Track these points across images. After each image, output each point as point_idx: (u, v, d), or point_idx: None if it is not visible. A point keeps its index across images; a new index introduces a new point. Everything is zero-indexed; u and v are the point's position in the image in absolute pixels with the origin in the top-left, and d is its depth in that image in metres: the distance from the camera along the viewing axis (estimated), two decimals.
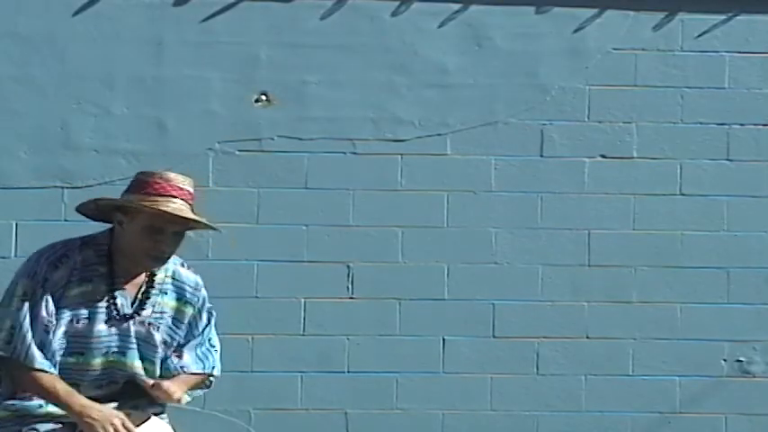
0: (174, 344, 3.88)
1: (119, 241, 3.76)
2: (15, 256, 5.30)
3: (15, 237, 5.39)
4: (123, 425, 3.64)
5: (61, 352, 3.73)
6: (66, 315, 3.71)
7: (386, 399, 5.54)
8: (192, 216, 3.72)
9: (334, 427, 5.51)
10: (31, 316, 3.66)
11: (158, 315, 3.83)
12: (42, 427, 3.73)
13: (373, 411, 5.53)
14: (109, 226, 3.83)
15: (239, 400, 5.46)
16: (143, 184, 3.74)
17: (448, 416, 5.56)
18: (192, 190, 3.77)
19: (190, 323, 3.91)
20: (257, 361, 5.49)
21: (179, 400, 3.75)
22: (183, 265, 3.93)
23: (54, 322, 3.67)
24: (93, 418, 3.64)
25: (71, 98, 5.44)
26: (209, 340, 3.97)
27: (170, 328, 3.87)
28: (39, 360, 3.66)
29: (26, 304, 3.67)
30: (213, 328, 3.99)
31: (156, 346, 3.83)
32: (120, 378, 3.82)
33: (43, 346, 3.67)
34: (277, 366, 5.50)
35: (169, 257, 3.78)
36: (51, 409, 3.72)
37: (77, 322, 3.72)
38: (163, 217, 3.67)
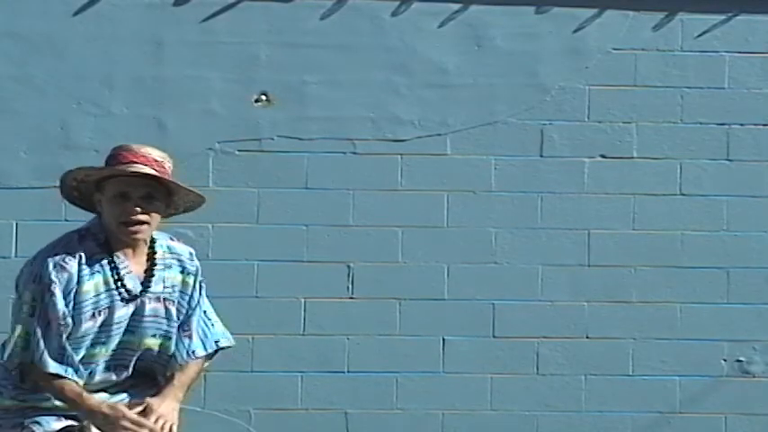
0: (181, 317, 3.89)
1: (105, 222, 3.78)
2: (15, 256, 5.30)
3: (15, 237, 5.39)
4: (131, 420, 3.66)
5: (88, 344, 3.73)
6: (87, 310, 3.71)
7: (386, 399, 5.54)
8: (144, 171, 3.68)
9: (334, 427, 5.51)
10: (43, 321, 3.67)
11: (170, 289, 3.85)
12: (45, 420, 3.73)
13: (373, 411, 5.53)
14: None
15: (239, 400, 5.46)
16: (108, 157, 3.80)
17: (448, 416, 5.56)
18: (159, 159, 3.75)
19: (189, 294, 3.92)
20: (257, 361, 5.49)
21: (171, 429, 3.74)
22: (172, 239, 3.94)
23: (68, 323, 3.68)
24: (105, 414, 3.66)
25: (71, 98, 5.44)
26: (205, 313, 3.96)
27: (178, 301, 3.88)
28: (53, 365, 3.66)
29: (36, 310, 3.68)
30: (206, 298, 3.98)
31: (173, 321, 3.85)
32: (129, 360, 3.82)
33: (58, 350, 3.67)
34: (277, 366, 5.50)
35: (144, 224, 3.72)
36: (58, 402, 3.73)
37: (99, 314, 3.73)
38: (122, 180, 3.68)
